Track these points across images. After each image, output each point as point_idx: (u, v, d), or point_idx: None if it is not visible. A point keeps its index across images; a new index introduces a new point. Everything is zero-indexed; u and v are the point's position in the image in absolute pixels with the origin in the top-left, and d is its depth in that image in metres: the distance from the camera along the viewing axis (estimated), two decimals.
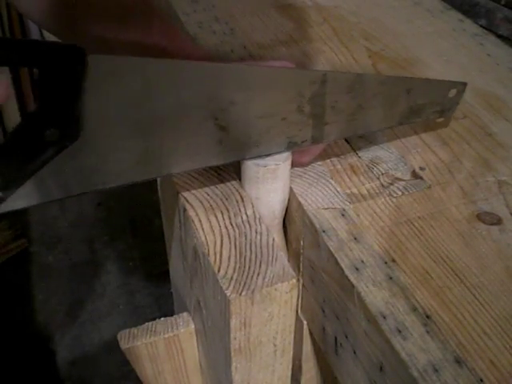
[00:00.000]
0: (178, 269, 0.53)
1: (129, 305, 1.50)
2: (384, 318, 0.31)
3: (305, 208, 0.39)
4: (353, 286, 0.34)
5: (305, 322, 0.44)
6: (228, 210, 0.40)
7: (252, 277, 0.36)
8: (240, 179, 0.42)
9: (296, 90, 0.37)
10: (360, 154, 0.44)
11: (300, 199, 0.40)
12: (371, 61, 0.55)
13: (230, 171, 0.43)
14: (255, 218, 0.40)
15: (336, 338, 0.38)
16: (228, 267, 0.37)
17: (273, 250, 0.38)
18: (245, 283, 0.36)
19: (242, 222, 0.40)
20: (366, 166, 0.43)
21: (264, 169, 0.39)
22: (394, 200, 0.40)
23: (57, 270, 1.58)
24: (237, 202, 0.41)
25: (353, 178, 0.42)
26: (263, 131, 0.38)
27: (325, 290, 0.38)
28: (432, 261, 0.35)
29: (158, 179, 0.52)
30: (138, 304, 1.50)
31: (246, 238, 0.39)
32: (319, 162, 0.43)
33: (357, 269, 0.35)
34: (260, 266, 0.37)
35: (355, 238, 0.37)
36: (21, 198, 0.30)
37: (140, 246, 1.64)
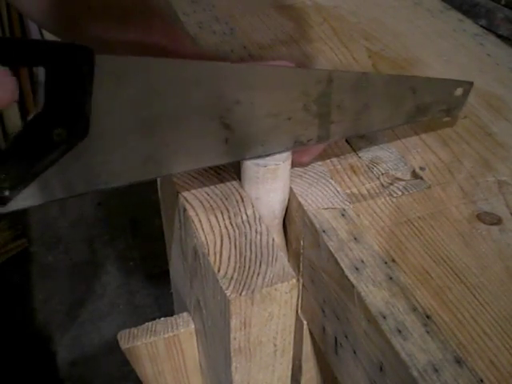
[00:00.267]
0: (178, 269, 0.53)
1: (129, 305, 1.50)
2: (384, 317, 0.31)
3: (305, 208, 0.39)
4: (353, 285, 0.34)
5: (305, 322, 0.44)
6: (228, 210, 0.40)
7: (252, 277, 0.36)
8: (240, 179, 0.42)
9: (302, 89, 0.37)
10: (360, 154, 0.44)
11: (300, 199, 0.40)
12: (371, 61, 0.55)
13: (230, 171, 0.43)
14: (255, 218, 0.40)
15: (336, 338, 0.38)
16: (228, 267, 0.37)
17: (273, 249, 0.38)
18: (245, 283, 0.36)
19: (242, 221, 0.40)
20: (366, 166, 0.43)
21: (264, 169, 0.39)
22: (394, 200, 0.40)
23: (57, 270, 1.58)
24: (237, 202, 0.41)
25: (353, 178, 0.42)
26: (269, 130, 0.38)
27: (325, 290, 0.38)
28: (432, 261, 0.35)
29: (158, 179, 0.52)
30: (138, 304, 1.50)
31: (245, 238, 0.39)
32: (319, 162, 0.43)
33: (357, 269, 0.35)
34: (260, 266, 0.37)
35: (355, 238, 0.37)
36: (25, 198, 0.30)
37: (140, 246, 1.64)
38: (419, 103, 0.43)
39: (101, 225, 1.71)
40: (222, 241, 0.38)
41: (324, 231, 0.37)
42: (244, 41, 0.58)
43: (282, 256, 0.38)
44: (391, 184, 0.41)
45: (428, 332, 0.31)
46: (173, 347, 0.51)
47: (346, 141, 0.45)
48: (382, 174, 0.42)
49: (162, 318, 0.50)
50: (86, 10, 0.42)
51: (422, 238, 0.37)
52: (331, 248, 0.36)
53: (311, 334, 0.44)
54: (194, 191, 0.42)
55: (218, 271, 0.37)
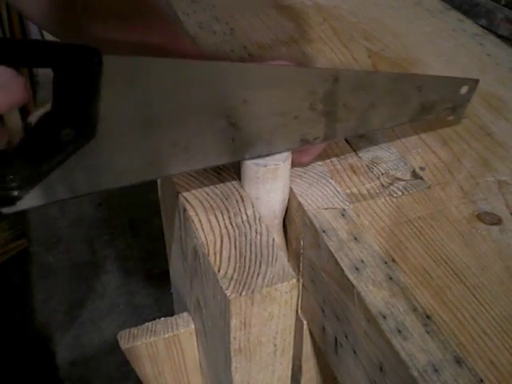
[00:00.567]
0: (178, 269, 0.53)
1: (129, 305, 1.50)
2: (384, 317, 0.31)
3: (305, 208, 0.39)
4: (353, 285, 0.34)
5: (305, 322, 0.44)
6: (228, 210, 0.40)
7: (252, 277, 0.36)
8: (240, 179, 0.42)
9: (308, 88, 0.37)
10: (360, 154, 0.44)
11: (300, 199, 0.40)
12: (371, 61, 0.55)
13: (230, 171, 0.43)
14: (255, 217, 0.40)
15: (336, 338, 0.38)
16: (228, 267, 0.37)
17: (273, 249, 0.38)
18: (245, 283, 0.36)
19: (242, 221, 0.40)
20: (366, 166, 0.43)
21: (264, 169, 0.39)
22: (394, 200, 0.40)
23: (57, 270, 1.58)
24: (237, 201, 0.41)
25: (353, 178, 0.42)
26: (276, 129, 0.38)
27: (325, 289, 0.38)
28: (432, 261, 0.35)
29: (159, 179, 0.52)
30: (138, 304, 1.50)
31: (245, 238, 0.39)
32: (319, 162, 0.43)
33: (357, 269, 0.35)
34: (260, 265, 0.37)
35: (355, 238, 0.37)
36: (29, 199, 0.30)
37: (140, 246, 1.64)
38: (425, 101, 0.43)
39: (101, 225, 1.71)
40: (222, 241, 0.38)
41: (324, 231, 0.37)
42: (244, 41, 0.58)
43: (282, 256, 0.38)
44: (391, 184, 0.41)
45: (428, 332, 0.31)
46: (173, 347, 0.51)
47: (346, 141, 0.46)
48: (382, 173, 0.42)
49: (162, 318, 0.50)
50: (85, 11, 0.42)
51: (422, 237, 0.37)
52: (331, 248, 0.36)
53: (311, 334, 0.44)
54: (194, 191, 0.42)
55: (218, 271, 0.37)
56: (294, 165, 0.41)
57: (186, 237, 0.43)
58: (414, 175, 0.42)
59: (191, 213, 0.40)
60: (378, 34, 0.60)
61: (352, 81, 0.39)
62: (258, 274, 0.37)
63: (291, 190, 0.41)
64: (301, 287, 0.42)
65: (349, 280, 0.34)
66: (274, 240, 0.39)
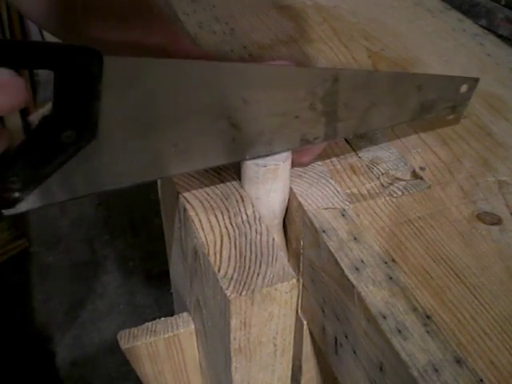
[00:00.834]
0: (178, 269, 0.53)
1: (129, 305, 1.50)
2: (384, 317, 0.31)
3: (305, 208, 0.39)
4: (353, 285, 0.34)
5: (305, 322, 0.44)
6: (228, 210, 0.40)
7: (252, 277, 0.36)
8: (240, 179, 0.42)
9: (308, 88, 0.37)
10: (360, 154, 0.44)
11: (300, 199, 0.40)
12: (371, 61, 0.55)
13: (230, 171, 0.43)
14: (255, 217, 0.40)
15: (336, 338, 0.38)
16: (228, 267, 0.37)
17: (273, 249, 0.38)
18: (245, 283, 0.36)
19: (242, 221, 0.40)
20: (366, 166, 0.43)
21: (264, 169, 0.39)
22: (394, 200, 0.40)
23: (57, 270, 1.58)
24: (237, 201, 0.41)
25: (353, 178, 0.42)
26: (276, 129, 0.38)
27: (325, 289, 0.38)
28: (432, 261, 0.35)
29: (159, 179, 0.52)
30: (138, 304, 1.50)
31: (246, 238, 0.39)
32: (319, 162, 0.43)
33: (357, 269, 0.35)
34: (260, 265, 0.37)
35: (355, 238, 0.37)
36: (31, 200, 0.30)
37: (140, 246, 1.64)
38: (425, 101, 0.43)
39: (101, 225, 1.71)
40: (222, 241, 0.38)
41: (324, 231, 0.37)
42: (244, 41, 0.58)
43: (282, 256, 0.38)
44: (391, 184, 0.41)
45: (428, 332, 0.31)
46: (173, 347, 0.51)
47: (346, 141, 0.46)
48: (382, 173, 0.42)
49: (162, 318, 0.50)
50: (85, 11, 0.42)
51: (422, 237, 0.37)
52: (331, 248, 0.36)
53: (311, 333, 0.44)
54: (194, 191, 0.42)
55: (218, 271, 0.37)
56: (294, 165, 0.41)
57: (186, 237, 0.43)
58: (414, 175, 0.42)
59: (191, 213, 0.40)
60: (377, 34, 0.60)
61: (352, 80, 0.39)
62: (258, 274, 0.37)
63: (291, 189, 0.41)
64: (301, 287, 0.42)
65: (349, 280, 0.34)
66: (273, 240, 0.39)
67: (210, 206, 0.41)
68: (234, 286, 0.36)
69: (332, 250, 0.36)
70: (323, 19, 0.62)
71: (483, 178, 0.42)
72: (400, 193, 0.41)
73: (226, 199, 0.41)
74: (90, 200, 1.76)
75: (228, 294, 0.35)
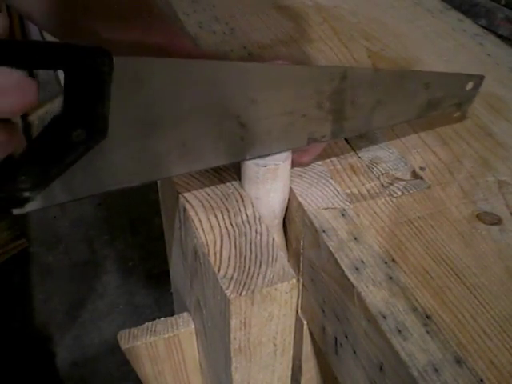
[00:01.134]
0: (178, 269, 0.53)
1: (129, 305, 1.50)
2: (384, 317, 0.31)
3: (305, 208, 0.39)
4: (353, 285, 0.34)
5: (305, 322, 0.44)
6: (228, 210, 0.40)
7: (252, 277, 0.36)
8: (240, 179, 0.42)
9: (316, 86, 0.37)
10: (360, 154, 0.44)
11: (300, 199, 0.40)
12: (371, 61, 0.55)
13: (230, 171, 0.43)
14: (255, 217, 0.40)
15: (336, 338, 0.38)
16: (228, 267, 0.37)
17: (273, 249, 0.38)
18: (245, 283, 0.36)
19: (242, 221, 0.40)
20: (366, 166, 0.43)
21: (264, 169, 0.39)
22: (394, 200, 0.40)
23: (57, 270, 1.58)
24: (237, 201, 0.41)
25: (353, 178, 0.42)
26: (284, 128, 0.38)
27: (325, 289, 0.38)
28: (432, 261, 0.35)
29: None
30: (138, 304, 1.50)
31: (246, 238, 0.39)
32: (319, 162, 0.43)
33: (357, 269, 0.35)
34: (260, 265, 0.37)
35: (355, 238, 0.37)
36: (36, 200, 0.30)
37: (140, 246, 1.64)
38: (432, 98, 0.43)
39: (101, 225, 1.71)
40: (222, 241, 0.38)
41: (324, 231, 0.37)
42: (244, 41, 0.58)
43: (282, 256, 0.38)
44: (391, 184, 0.41)
45: (428, 332, 0.31)
46: (173, 347, 0.51)
47: (346, 141, 0.46)
48: (382, 173, 0.42)
49: (162, 318, 0.50)
50: (85, 11, 0.42)
51: (422, 237, 0.37)
52: (331, 248, 0.36)
53: (311, 333, 0.44)
54: (194, 191, 0.42)
55: (218, 271, 0.37)
56: (294, 165, 0.41)
57: (186, 237, 0.43)
58: (414, 175, 0.42)
59: (191, 213, 0.40)
60: (378, 34, 0.60)
61: (359, 78, 0.39)
62: (258, 274, 0.37)
63: (291, 189, 0.41)
64: (301, 287, 0.42)
65: (349, 280, 0.34)
66: (273, 240, 0.39)
67: (210, 206, 0.41)
68: (234, 286, 0.36)
69: (332, 250, 0.36)
70: (323, 19, 0.62)
71: (483, 178, 0.42)
72: (400, 193, 0.41)
73: (226, 199, 0.41)
74: (90, 200, 1.76)
75: (228, 294, 0.35)
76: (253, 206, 0.41)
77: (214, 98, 0.34)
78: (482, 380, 0.29)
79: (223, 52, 0.56)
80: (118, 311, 1.48)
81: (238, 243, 0.38)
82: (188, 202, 0.41)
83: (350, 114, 0.40)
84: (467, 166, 0.43)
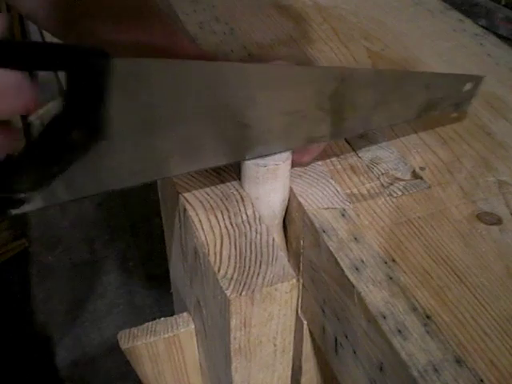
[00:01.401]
0: (178, 269, 0.53)
1: (129, 305, 1.50)
2: (384, 317, 0.31)
3: (305, 208, 0.39)
4: (353, 285, 0.34)
5: (305, 322, 0.44)
6: (228, 210, 0.40)
7: (252, 277, 0.36)
8: (240, 179, 0.42)
9: (316, 87, 0.37)
10: (360, 154, 0.44)
11: (300, 199, 0.40)
12: (371, 61, 0.55)
13: (230, 171, 0.43)
14: (255, 217, 0.40)
15: (336, 338, 0.38)
16: (228, 267, 0.37)
17: (273, 249, 0.38)
18: (245, 283, 0.36)
19: (242, 221, 0.40)
20: (366, 166, 0.43)
21: (264, 169, 0.39)
22: (394, 200, 0.40)
23: (57, 270, 1.57)
24: (237, 201, 0.41)
25: (353, 178, 0.42)
26: (284, 128, 0.38)
27: (325, 289, 0.38)
28: (432, 261, 0.35)
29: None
30: (137, 304, 1.50)
31: (246, 238, 0.39)
32: (319, 162, 0.43)
33: (357, 269, 0.35)
34: (260, 265, 0.37)
35: (355, 238, 0.37)
36: (36, 200, 0.30)
37: (140, 246, 1.64)
38: (430, 98, 0.43)
39: (101, 225, 1.71)
40: (222, 241, 0.38)
41: (324, 231, 0.37)
42: (244, 41, 0.58)
43: (282, 256, 0.38)
44: (391, 184, 0.41)
45: (428, 332, 0.31)
46: (173, 347, 0.51)
47: (346, 141, 0.46)
48: (382, 173, 0.42)
49: (162, 318, 0.50)
50: (85, 11, 0.42)
51: (422, 237, 0.37)
52: (331, 248, 0.36)
53: (311, 333, 0.44)
54: (194, 191, 0.42)
55: (218, 271, 0.37)
56: (294, 165, 0.41)
57: (186, 237, 0.43)
58: (414, 175, 0.42)
59: (191, 213, 0.40)
60: (378, 33, 0.60)
61: (359, 79, 0.39)
62: (258, 274, 0.37)
63: (291, 189, 0.41)
64: (301, 287, 0.42)
65: (349, 280, 0.34)
66: (273, 240, 0.39)
67: (210, 206, 0.41)
68: (234, 286, 0.36)
69: (332, 250, 0.36)
70: (323, 19, 0.62)
71: (483, 178, 0.42)
72: (400, 193, 0.41)
73: (226, 199, 0.41)
74: (89, 200, 1.76)
75: (228, 294, 0.35)
76: (253, 206, 0.41)
77: (213, 99, 0.34)
78: (481, 380, 0.28)
79: (223, 52, 0.56)
80: (118, 311, 1.48)
81: (238, 243, 0.38)
82: (188, 202, 0.41)
83: (349, 115, 0.40)
84: (467, 166, 0.43)
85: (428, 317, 0.32)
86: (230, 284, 0.36)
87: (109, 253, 1.63)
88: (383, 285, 0.33)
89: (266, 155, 0.39)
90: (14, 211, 0.30)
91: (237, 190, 0.42)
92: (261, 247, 0.38)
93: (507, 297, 0.33)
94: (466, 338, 0.30)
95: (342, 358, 0.38)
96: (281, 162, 0.39)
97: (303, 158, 0.42)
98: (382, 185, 0.41)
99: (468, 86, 0.45)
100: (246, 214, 0.40)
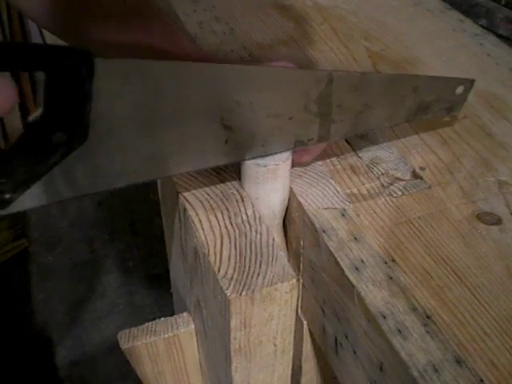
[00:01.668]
0: (178, 269, 0.53)
1: (129, 305, 1.50)
2: (384, 317, 0.31)
3: (305, 208, 0.39)
4: (353, 285, 0.34)
5: (305, 322, 0.44)
6: (228, 210, 0.40)
7: (252, 277, 0.36)
8: (240, 179, 0.42)
9: (302, 89, 0.37)
10: (360, 154, 0.44)
11: (300, 199, 0.40)
12: (371, 61, 0.55)
13: (230, 171, 0.43)
14: (255, 217, 0.40)
15: (336, 338, 0.38)
16: (228, 267, 0.37)
17: (273, 249, 0.38)
18: (245, 283, 0.36)
19: (242, 221, 0.40)
20: (366, 166, 0.43)
21: (264, 169, 0.39)
22: (394, 200, 0.40)
23: (57, 270, 1.57)
24: (237, 201, 0.41)
25: (353, 178, 0.42)
26: (270, 130, 0.38)
27: (325, 289, 0.38)
28: (432, 261, 0.35)
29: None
30: (137, 304, 1.50)
31: (246, 238, 0.39)
32: (319, 162, 0.43)
33: (357, 269, 0.35)
34: (260, 265, 0.37)
35: (355, 238, 0.37)
36: (29, 199, 0.30)
37: (140, 246, 1.64)
38: (420, 102, 0.43)
39: (101, 225, 1.71)
40: (222, 241, 0.38)
41: (324, 231, 0.37)
42: (244, 41, 0.58)
43: (282, 256, 0.38)
44: (391, 184, 0.41)
45: (428, 332, 0.31)
46: (173, 347, 0.51)
47: (346, 141, 0.46)
48: (382, 173, 0.42)
49: (162, 318, 0.50)
50: (86, 10, 0.42)
51: (422, 238, 0.37)
52: (331, 248, 0.36)
53: (311, 333, 0.44)
54: (194, 191, 0.42)
55: (218, 271, 0.37)
56: (294, 165, 0.41)
57: (186, 237, 0.43)
58: (414, 175, 0.42)
59: (191, 213, 0.40)
60: (378, 33, 0.60)
61: (346, 82, 0.39)
62: (258, 274, 0.37)
63: (291, 189, 0.41)
64: (301, 287, 0.42)
65: (349, 280, 0.34)
66: (273, 240, 0.39)
67: (210, 206, 0.41)
68: (234, 286, 0.36)
69: (332, 250, 0.36)
70: (323, 19, 0.62)
71: (483, 178, 0.42)
72: (400, 193, 0.41)
73: (226, 199, 0.41)
74: (89, 200, 1.76)
75: (228, 294, 0.35)
76: (253, 206, 0.41)
77: (198, 100, 0.34)
78: (481, 380, 0.29)
79: (223, 52, 0.56)
80: (118, 311, 1.48)
81: (238, 243, 0.38)
82: (188, 201, 0.41)
83: (337, 117, 0.40)
84: (467, 166, 0.43)
85: (428, 317, 0.32)
86: (230, 284, 0.36)
87: (109, 253, 1.63)
88: (383, 285, 0.33)
89: (252, 158, 0.39)
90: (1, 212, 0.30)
91: (237, 190, 0.42)
92: (261, 247, 0.38)
93: (507, 297, 0.33)
94: (466, 338, 0.30)
95: (342, 357, 0.38)
96: (281, 162, 0.39)
97: (303, 158, 0.42)
98: (382, 185, 0.41)
99: (459, 90, 0.45)
100: (246, 213, 0.40)
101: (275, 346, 0.41)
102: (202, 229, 0.39)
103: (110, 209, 1.76)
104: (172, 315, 0.51)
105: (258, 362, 0.42)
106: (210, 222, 0.40)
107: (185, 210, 0.41)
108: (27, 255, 1.61)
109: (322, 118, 0.39)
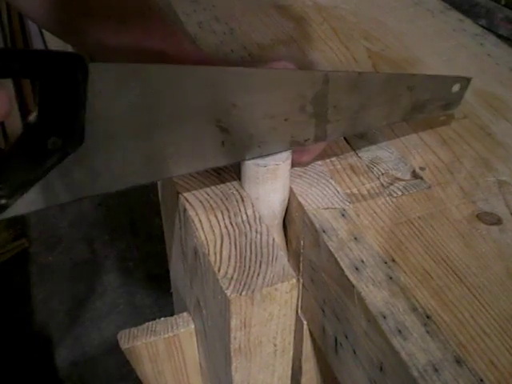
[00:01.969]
0: (178, 269, 0.53)
1: (129, 305, 1.50)
2: (384, 317, 0.31)
3: (305, 208, 0.39)
4: (353, 285, 0.34)
5: (305, 322, 0.44)
6: (228, 210, 0.40)
7: (252, 277, 0.36)
8: (240, 179, 0.42)
9: (298, 90, 0.37)
10: (360, 154, 0.44)
11: (300, 199, 0.40)
12: (371, 61, 0.55)
13: (230, 171, 0.43)
14: (255, 217, 0.40)
15: (336, 338, 0.38)
16: (228, 267, 0.37)
17: (273, 249, 0.38)
18: (245, 283, 0.36)
19: (242, 221, 0.40)
20: (366, 166, 0.43)
21: (264, 169, 0.39)
22: (394, 200, 0.40)
23: (57, 270, 1.57)
24: (237, 201, 0.41)
25: (353, 178, 0.42)
26: (266, 132, 0.38)
27: (325, 289, 0.38)
28: (432, 261, 0.35)
29: None
30: (138, 304, 1.50)
31: (246, 238, 0.39)
32: (319, 162, 0.43)
33: (357, 269, 0.35)
34: (260, 265, 0.37)
35: (355, 238, 0.37)
36: (28, 203, 0.30)
37: (140, 246, 1.64)
38: (416, 100, 0.43)
39: (101, 225, 1.71)
40: (222, 241, 0.38)
41: (324, 231, 0.37)
42: (244, 41, 0.58)
43: (282, 256, 0.38)
44: (391, 184, 0.41)
45: (428, 332, 0.31)
46: (173, 347, 0.51)
47: (346, 141, 0.46)
48: (382, 173, 0.42)
49: (162, 318, 0.50)
50: (85, 11, 0.42)
51: (422, 238, 0.37)
52: (331, 248, 0.36)
53: (311, 334, 0.44)
54: (194, 191, 0.42)
55: (218, 271, 0.37)
56: (294, 165, 0.41)
57: (186, 237, 0.43)
58: (414, 175, 0.42)
59: (191, 213, 0.40)
60: (378, 33, 0.60)
61: (342, 82, 0.39)
62: (258, 274, 0.37)
63: (291, 189, 0.41)
64: (301, 287, 0.42)
65: (349, 280, 0.34)
66: (274, 240, 0.39)
67: (210, 206, 0.41)
68: (234, 286, 0.36)
69: (332, 250, 0.36)
70: (323, 19, 0.62)
71: (483, 178, 0.42)
72: (400, 193, 0.41)
73: (226, 199, 0.41)
74: (89, 200, 1.76)
75: (228, 294, 0.35)
76: (253, 206, 0.41)
77: (193, 103, 0.34)
78: (481, 380, 0.29)
79: (223, 52, 0.56)
80: (118, 311, 1.48)
81: (238, 243, 0.38)
82: (188, 201, 0.41)
83: (333, 118, 0.40)
84: (467, 166, 0.43)
85: (428, 317, 0.32)
86: (230, 284, 0.36)
87: (109, 252, 1.63)
88: (383, 285, 0.33)
89: (250, 158, 0.39)
90: None
91: (237, 190, 0.42)
92: (261, 247, 0.38)
93: (507, 297, 0.33)
94: (466, 338, 0.30)
95: (342, 357, 0.38)
96: (281, 162, 0.39)
97: (303, 157, 0.42)
98: (382, 185, 0.41)
99: (456, 88, 0.45)
100: (246, 213, 0.40)
101: (275, 346, 0.41)
102: (202, 229, 0.39)
103: (109, 209, 1.76)
104: (172, 315, 0.51)
105: (257, 362, 0.42)
106: (210, 221, 0.40)
107: (185, 210, 0.41)
108: (27, 255, 1.61)
109: (318, 118, 0.39)
